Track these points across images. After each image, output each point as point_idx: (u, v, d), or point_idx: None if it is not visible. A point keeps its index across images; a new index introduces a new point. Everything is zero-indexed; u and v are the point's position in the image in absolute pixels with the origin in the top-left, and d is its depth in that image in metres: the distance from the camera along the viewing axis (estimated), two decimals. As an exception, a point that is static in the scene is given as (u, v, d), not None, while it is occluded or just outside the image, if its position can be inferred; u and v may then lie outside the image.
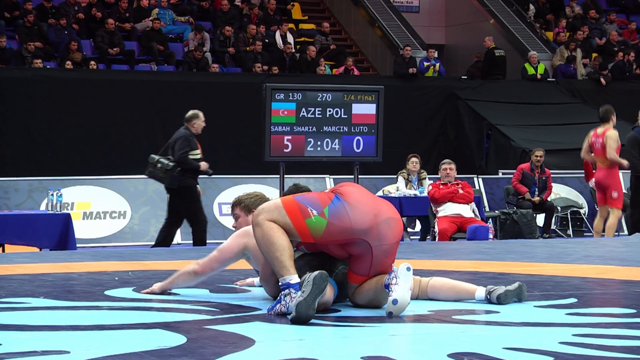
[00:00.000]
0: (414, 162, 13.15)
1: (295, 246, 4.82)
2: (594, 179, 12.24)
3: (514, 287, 5.01)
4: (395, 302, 4.54)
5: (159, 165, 10.88)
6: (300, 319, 4.32)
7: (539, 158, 13.67)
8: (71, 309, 4.84)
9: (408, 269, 4.64)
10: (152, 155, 11.01)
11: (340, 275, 4.86)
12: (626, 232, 13.54)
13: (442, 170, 12.06)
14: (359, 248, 4.76)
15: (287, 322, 4.40)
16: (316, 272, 4.44)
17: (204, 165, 11.05)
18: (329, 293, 4.70)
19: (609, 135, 11.58)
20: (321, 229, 4.71)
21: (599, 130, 11.75)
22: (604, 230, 11.89)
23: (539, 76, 19.24)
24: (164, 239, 11.01)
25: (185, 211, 10.96)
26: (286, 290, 4.56)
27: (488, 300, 4.97)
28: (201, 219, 11.00)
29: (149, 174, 11.12)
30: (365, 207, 4.78)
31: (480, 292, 5.01)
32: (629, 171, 12.17)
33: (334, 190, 4.87)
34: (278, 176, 10.98)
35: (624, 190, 12.17)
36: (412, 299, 4.85)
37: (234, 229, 5.49)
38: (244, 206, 5.47)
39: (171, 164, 10.82)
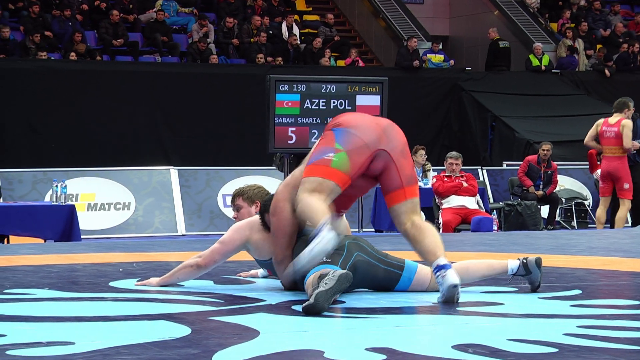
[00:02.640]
0: (418, 154, 13.15)
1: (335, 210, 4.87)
2: (599, 171, 12.22)
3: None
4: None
5: (284, 156, 11.01)
6: (315, 309, 4.31)
7: (546, 152, 13.64)
8: (76, 300, 4.85)
9: (454, 286, 4.68)
10: None
11: (354, 263, 4.83)
12: (629, 224, 13.55)
13: (448, 165, 12.04)
14: (381, 161, 4.87)
15: (292, 314, 4.41)
16: (343, 271, 4.44)
17: None
18: None
19: (625, 124, 11.56)
20: (346, 161, 4.80)
21: (612, 120, 11.71)
22: (606, 222, 11.89)
23: (543, 67, 19.21)
24: None
25: None
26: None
27: (524, 267, 5.00)
28: None
29: (277, 167, 11.23)
30: (365, 121, 4.96)
31: (514, 263, 5.04)
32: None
33: (330, 127, 4.95)
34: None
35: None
36: (426, 290, 4.96)
37: (234, 219, 5.49)
38: (247, 197, 5.47)
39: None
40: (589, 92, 18.94)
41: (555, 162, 14.00)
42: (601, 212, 11.92)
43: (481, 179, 14.54)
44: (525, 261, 5.03)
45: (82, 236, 10.52)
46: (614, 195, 11.89)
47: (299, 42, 19.09)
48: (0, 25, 17.08)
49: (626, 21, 22.11)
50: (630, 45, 20.00)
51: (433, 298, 4.87)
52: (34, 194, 12.83)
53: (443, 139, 18.16)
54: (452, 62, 19.44)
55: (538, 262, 5.02)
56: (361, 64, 19.07)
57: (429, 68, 19.00)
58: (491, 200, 13.97)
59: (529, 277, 5.06)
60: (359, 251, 4.88)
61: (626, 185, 11.64)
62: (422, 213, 5.04)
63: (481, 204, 12.19)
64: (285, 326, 4.19)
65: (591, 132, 11.89)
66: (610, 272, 6.31)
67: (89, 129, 16.10)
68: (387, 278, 4.98)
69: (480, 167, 15.26)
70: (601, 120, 11.86)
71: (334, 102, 10.56)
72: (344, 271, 4.45)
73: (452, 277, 4.67)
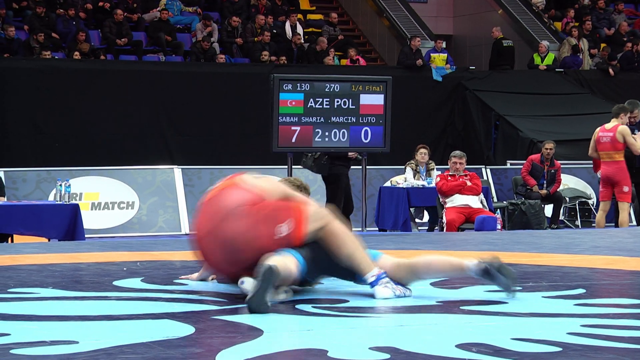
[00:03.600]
0: (422, 153, 13.13)
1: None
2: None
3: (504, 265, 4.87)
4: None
5: (309, 154, 11.00)
6: (252, 311, 4.31)
7: (549, 150, 13.62)
8: (80, 299, 4.85)
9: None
10: None
11: (309, 250, 4.83)
12: (634, 223, 13.54)
13: (452, 163, 12.04)
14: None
15: (296, 313, 4.41)
16: (266, 265, 4.40)
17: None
18: (293, 267, 4.67)
19: (622, 130, 11.56)
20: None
21: (608, 125, 11.74)
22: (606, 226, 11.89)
23: (545, 67, 19.19)
24: None
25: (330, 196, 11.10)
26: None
27: (486, 274, 4.83)
28: (335, 204, 11.07)
29: (303, 164, 11.26)
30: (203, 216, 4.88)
31: (473, 266, 4.86)
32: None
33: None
34: (286, 167, 10.99)
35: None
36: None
37: None
38: None
39: (318, 152, 10.88)
40: (593, 91, 18.92)
41: (559, 161, 13.99)
42: (600, 217, 11.93)
43: (485, 178, 14.53)
44: (487, 268, 4.82)
45: (85, 235, 10.52)
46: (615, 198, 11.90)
47: (302, 41, 19.09)
48: (5, 25, 17.10)
49: (630, 20, 22.09)
50: (634, 44, 19.98)
51: (437, 296, 4.87)
52: (38, 193, 12.84)
53: (447, 138, 18.15)
54: (448, 67, 19.16)
55: (499, 268, 4.80)
56: (362, 62, 19.06)
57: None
58: (495, 200, 13.97)
59: (498, 284, 4.84)
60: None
61: (625, 189, 11.64)
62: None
63: (485, 203, 12.18)
64: (288, 325, 4.19)
65: (592, 143, 11.91)
66: (614, 271, 6.31)
67: (92, 128, 16.11)
68: (348, 272, 4.93)
69: (484, 166, 15.25)
70: (597, 129, 11.89)
71: (337, 102, 10.56)
72: (268, 265, 4.39)
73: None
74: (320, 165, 11.00)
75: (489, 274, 4.84)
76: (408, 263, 4.96)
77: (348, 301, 4.75)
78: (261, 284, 4.33)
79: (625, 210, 11.71)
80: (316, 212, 4.83)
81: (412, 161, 13.22)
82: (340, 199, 11.08)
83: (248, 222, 4.69)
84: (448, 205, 11.78)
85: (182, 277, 5.56)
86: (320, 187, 12.86)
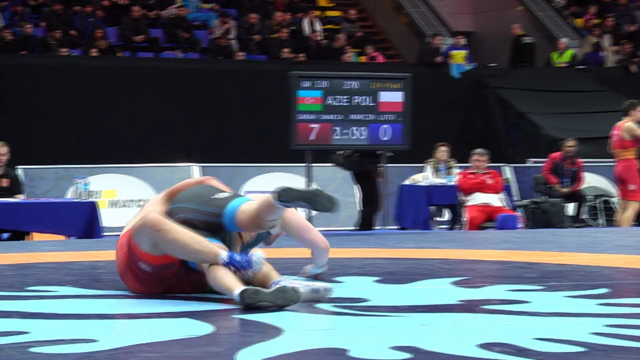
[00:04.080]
0: (442, 151, 13.06)
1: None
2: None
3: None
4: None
5: (340, 152, 11.00)
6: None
7: (570, 148, 13.53)
8: (98, 297, 4.84)
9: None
10: None
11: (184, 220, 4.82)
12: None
13: (474, 160, 12.01)
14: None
15: (315, 312, 4.37)
16: (237, 297, 4.41)
17: None
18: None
19: (626, 127, 11.52)
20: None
21: (619, 123, 11.74)
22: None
23: (565, 64, 19.09)
24: (365, 222, 11.14)
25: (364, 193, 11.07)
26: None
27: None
28: (373, 202, 11.05)
29: (334, 160, 11.25)
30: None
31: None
32: None
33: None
34: (304, 164, 10.95)
35: None
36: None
37: None
38: None
39: (350, 149, 10.88)
40: (614, 88, 18.80)
41: (582, 159, 13.88)
42: (621, 216, 11.87)
43: (506, 176, 14.45)
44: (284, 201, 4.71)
45: (104, 233, 10.52)
46: None
47: (320, 38, 19.04)
48: (22, 22, 17.14)
49: (651, 16, 21.95)
50: (656, 41, 19.87)
51: (459, 296, 4.82)
52: (57, 190, 12.85)
53: (467, 136, 18.05)
54: (465, 63, 18.98)
55: (287, 198, 4.65)
56: (381, 59, 18.99)
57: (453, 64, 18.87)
58: (516, 198, 13.88)
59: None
60: (183, 213, 4.82)
61: (631, 187, 11.57)
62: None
63: (506, 202, 12.12)
64: (309, 324, 4.16)
65: (609, 141, 11.92)
66: (637, 270, 6.25)
67: (110, 125, 16.11)
68: (215, 225, 4.85)
69: (505, 164, 15.16)
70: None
71: (356, 99, 10.52)
72: (239, 293, 4.41)
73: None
74: (351, 163, 10.99)
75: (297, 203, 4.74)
76: (253, 210, 4.81)
77: (369, 300, 4.71)
78: (257, 299, 4.33)
79: (631, 208, 11.60)
80: (141, 227, 4.69)
81: (432, 159, 13.15)
82: (377, 195, 11.05)
83: (122, 272, 4.95)
84: (469, 203, 11.72)
85: None
86: (340, 185, 12.83)
